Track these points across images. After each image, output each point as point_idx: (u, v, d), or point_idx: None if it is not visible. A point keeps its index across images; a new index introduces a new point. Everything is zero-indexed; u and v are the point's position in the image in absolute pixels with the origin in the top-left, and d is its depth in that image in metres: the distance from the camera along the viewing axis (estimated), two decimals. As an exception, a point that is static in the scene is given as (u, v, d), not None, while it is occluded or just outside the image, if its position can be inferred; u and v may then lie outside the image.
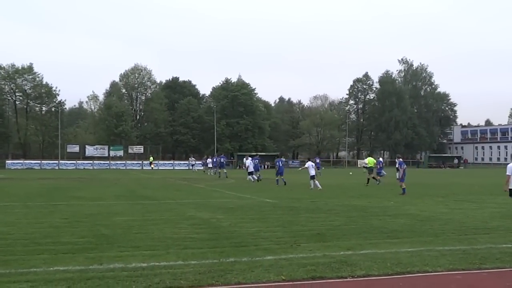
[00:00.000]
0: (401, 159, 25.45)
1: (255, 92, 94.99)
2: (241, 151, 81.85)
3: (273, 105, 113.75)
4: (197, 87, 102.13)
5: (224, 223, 12.67)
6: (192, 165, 57.49)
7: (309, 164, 26.86)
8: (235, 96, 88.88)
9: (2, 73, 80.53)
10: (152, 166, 65.26)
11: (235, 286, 6.65)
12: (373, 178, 30.64)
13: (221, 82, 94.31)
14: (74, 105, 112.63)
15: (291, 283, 6.84)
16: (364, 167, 35.46)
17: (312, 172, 26.10)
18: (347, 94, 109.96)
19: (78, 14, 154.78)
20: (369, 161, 32.01)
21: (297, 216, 14.26)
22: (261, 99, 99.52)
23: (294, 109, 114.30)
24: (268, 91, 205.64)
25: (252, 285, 6.72)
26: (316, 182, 25.53)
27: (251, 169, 33.29)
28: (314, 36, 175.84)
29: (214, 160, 43.82)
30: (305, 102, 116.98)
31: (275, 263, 7.89)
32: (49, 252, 8.55)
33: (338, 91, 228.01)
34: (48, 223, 12.34)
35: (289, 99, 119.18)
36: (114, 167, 68.03)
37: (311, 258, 8.31)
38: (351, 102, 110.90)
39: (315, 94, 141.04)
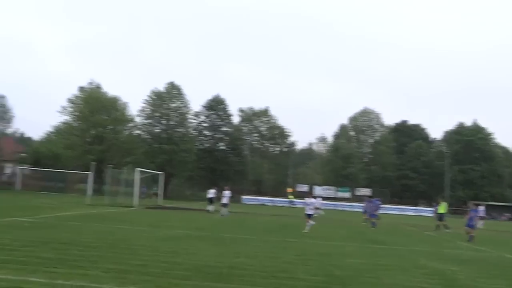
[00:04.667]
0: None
1: (493, 137, 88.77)
2: (476, 200, 76.40)
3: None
4: (426, 130, 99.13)
5: (460, 275, 11.89)
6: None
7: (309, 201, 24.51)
8: (470, 141, 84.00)
9: (243, 116, 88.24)
10: (290, 197, 64.57)
11: None
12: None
13: (454, 126, 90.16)
14: (304, 146, 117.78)
15: None
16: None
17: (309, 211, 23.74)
18: None
19: (316, 58, 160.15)
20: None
21: (547, 276, 12.71)
22: (499, 145, 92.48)
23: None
24: (509, 135, 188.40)
25: None
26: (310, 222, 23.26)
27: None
28: None
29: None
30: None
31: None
32: (285, 286, 8.93)
33: None
34: (282, 258, 12.92)
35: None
36: (341, 208, 68.91)
37: None
38: None
39: None
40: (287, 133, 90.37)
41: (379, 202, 34.75)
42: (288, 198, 67.96)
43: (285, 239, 18.38)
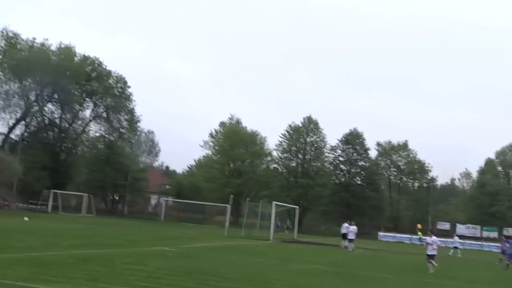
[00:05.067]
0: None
1: None
2: None
3: None
4: None
5: None
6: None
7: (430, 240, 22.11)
8: None
9: (380, 150, 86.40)
10: (419, 234, 59.75)
11: None
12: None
13: None
14: (446, 182, 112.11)
15: None
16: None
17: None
18: None
19: (458, 86, 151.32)
20: None
21: None
22: None
23: None
24: None
25: None
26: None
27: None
28: None
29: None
30: None
31: None
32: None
33: None
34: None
35: None
36: (487, 249, 64.24)
37: None
38: None
39: None
40: (427, 168, 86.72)
41: None
42: (417, 235, 64.69)
43: (423, 280, 17.57)
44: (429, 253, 21.43)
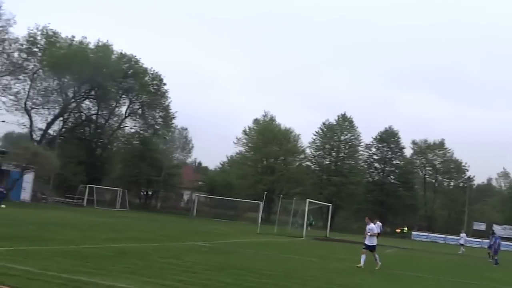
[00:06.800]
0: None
1: None
2: None
3: None
4: None
5: None
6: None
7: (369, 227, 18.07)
8: None
9: (415, 148, 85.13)
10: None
11: None
12: None
13: None
14: (483, 182, 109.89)
15: None
16: None
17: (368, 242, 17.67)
18: None
19: (496, 84, 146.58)
20: None
21: None
22: None
23: None
24: None
25: None
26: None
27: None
28: None
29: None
30: None
31: None
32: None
33: None
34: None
35: None
36: (524, 251, 62.77)
37: None
38: None
39: None
40: (464, 167, 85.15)
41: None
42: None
43: (462, 280, 17.21)
44: (366, 243, 18.09)
